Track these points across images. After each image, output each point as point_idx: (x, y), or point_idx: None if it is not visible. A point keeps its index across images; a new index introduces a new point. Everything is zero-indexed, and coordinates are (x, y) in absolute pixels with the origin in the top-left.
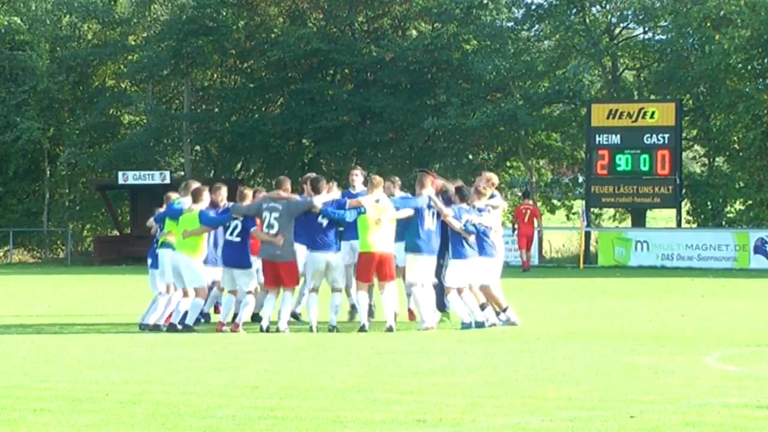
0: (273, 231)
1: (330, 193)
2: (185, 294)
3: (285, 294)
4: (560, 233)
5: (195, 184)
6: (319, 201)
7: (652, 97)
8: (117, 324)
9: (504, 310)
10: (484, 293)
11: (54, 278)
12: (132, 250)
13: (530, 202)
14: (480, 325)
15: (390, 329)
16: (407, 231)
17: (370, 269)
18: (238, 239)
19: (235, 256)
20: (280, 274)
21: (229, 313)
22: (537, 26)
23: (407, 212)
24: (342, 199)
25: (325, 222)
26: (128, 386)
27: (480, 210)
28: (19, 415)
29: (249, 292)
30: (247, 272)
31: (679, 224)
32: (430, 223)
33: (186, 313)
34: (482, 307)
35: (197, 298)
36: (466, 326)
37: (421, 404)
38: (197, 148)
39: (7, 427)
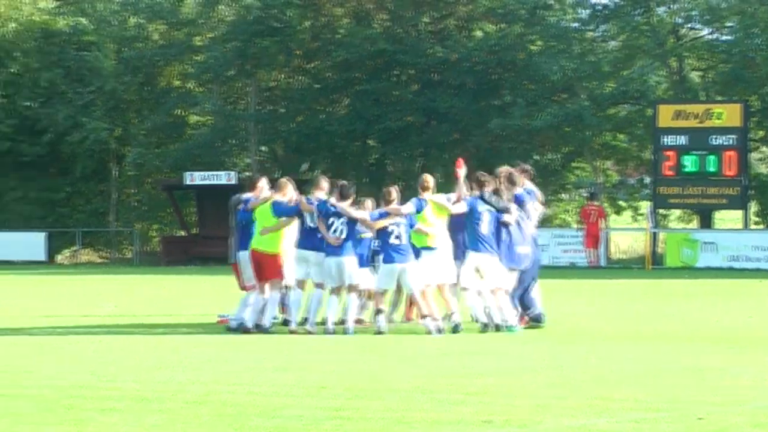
0: None
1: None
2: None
3: None
4: (626, 234)
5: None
6: None
7: (719, 98)
8: (183, 324)
9: (378, 312)
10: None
11: (121, 278)
12: (199, 251)
13: (596, 203)
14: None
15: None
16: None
17: (254, 269)
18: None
19: None
20: None
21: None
22: (602, 27)
23: (288, 221)
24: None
25: None
26: (195, 386)
27: (381, 215)
28: (87, 415)
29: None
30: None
31: (746, 225)
32: (309, 221)
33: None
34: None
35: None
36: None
37: (487, 405)
38: (263, 148)
39: (75, 426)
